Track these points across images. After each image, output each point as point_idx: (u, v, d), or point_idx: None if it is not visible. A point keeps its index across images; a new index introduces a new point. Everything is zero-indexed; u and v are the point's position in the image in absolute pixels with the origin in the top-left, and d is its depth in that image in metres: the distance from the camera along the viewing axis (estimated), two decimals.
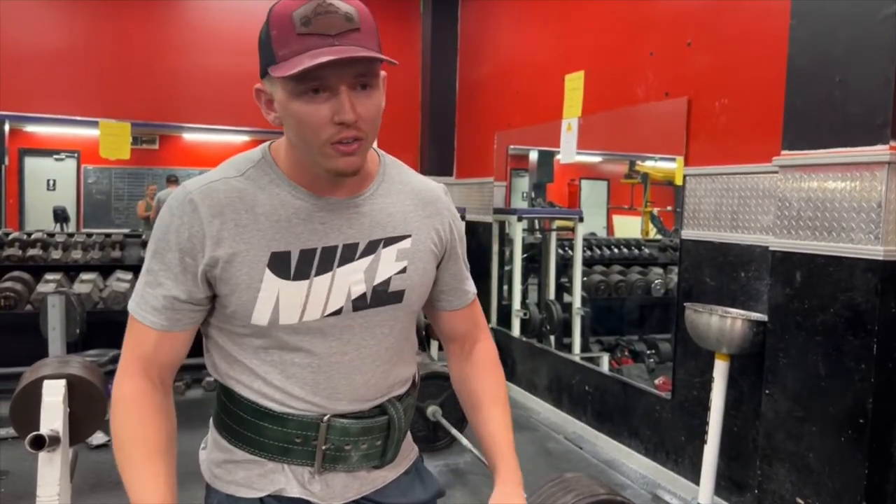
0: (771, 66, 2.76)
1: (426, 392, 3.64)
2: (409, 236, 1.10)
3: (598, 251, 5.83)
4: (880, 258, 2.18)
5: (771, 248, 2.58)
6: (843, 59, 2.31)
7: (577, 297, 5.08)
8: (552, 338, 5.01)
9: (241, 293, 1.01)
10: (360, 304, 1.06)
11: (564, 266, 5.39)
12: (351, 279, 1.05)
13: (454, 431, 3.45)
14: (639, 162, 6.33)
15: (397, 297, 1.09)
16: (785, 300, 2.50)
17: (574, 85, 4.23)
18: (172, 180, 8.47)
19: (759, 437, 2.63)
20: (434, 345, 5.50)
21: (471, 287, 1.28)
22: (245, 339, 1.06)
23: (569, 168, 6.35)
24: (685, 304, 2.95)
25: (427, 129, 5.89)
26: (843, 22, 2.32)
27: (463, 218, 4.90)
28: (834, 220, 2.33)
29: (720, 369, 2.81)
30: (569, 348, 4.89)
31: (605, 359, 5.09)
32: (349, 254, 1.05)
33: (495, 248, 5.32)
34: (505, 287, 5.39)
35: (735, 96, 3.03)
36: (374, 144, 1.08)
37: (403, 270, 1.09)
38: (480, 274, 5.37)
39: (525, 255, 5.25)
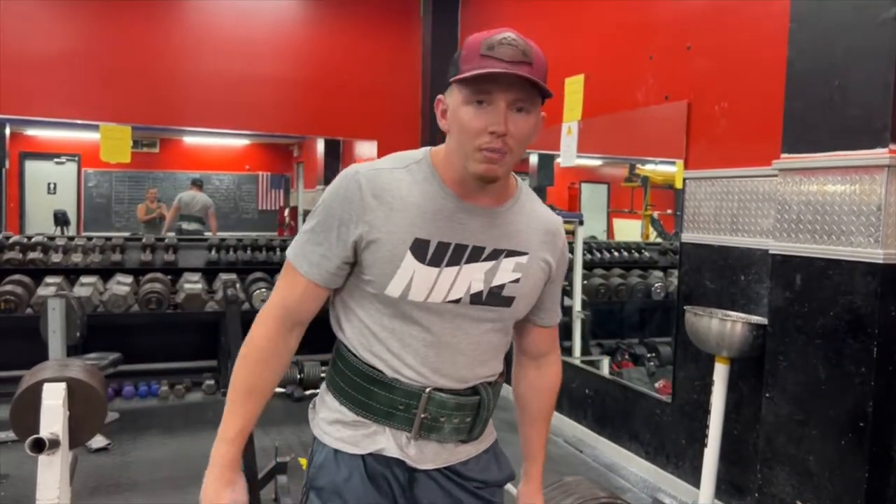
0: (770, 70, 2.77)
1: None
2: (527, 254, 1.25)
3: (599, 254, 5.83)
4: (880, 261, 2.18)
5: (771, 252, 2.58)
6: (843, 62, 2.31)
7: (577, 301, 5.08)
8: None
9: (383, 265, 1.17)
10: (476, 299, 1.22)
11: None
12: (473, 276, 1.21)
13: None
14: (639, 165, 6.33)
15: (507, 301, 1.25)
16: (785, 303, 2.50)
17: (574, 88, 4.24)
18: (197, 184, 8.48)
19: (760, 440, 2.62)
20: None
21: (559, 311, 1.44)
22: (374, 306, 1.22)
23: (569, 171, 6.35)
24: (685, 307, 2.95)
25: (428, 133, 5.89)
26: (842, 26, 2.32)
27: None
28: (833, 223, 2.34)
29: (720, 373, 2.81)
30: (569, 352, 4.88)
31: (606, 362, 5.09)
32: (476, 254, 1.21)
33: None
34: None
35: (735, 100, 3.03)
36: (509, 170, 1.20)
37: (517, 281, 1.24)
38: None
39: None
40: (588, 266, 5.50)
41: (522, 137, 1.13)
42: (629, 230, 7.04)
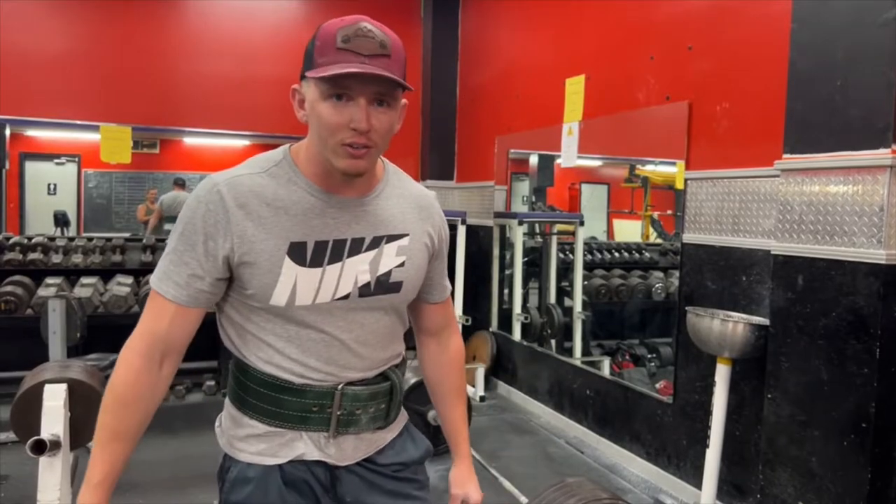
0: (772, 71, 2.76)
1: (426, 397, 3.63)
2: (407, 235, 1.25)
3: (599, 255, 5.83)
4: (882, 262, 2.18)
5: (773, 252, 2.58)
6: (845, 63, 2.31)
7: (577, 301, 5.08)
8: (553, 342, 5.01)
9: (263, 276, 1.13)
10: (364, 291, 1.20)
11: (565, 270, 5.38)
12: (358, 269, 1.19)
13: None
14: (639, 166, 6.33)
15: (396, 287, 1.24)
16: (787, 304, 2.50)
17: (575, 89, 4.23)
18: (179, 183, 8.47)
19: (762, 441, 2.62)
20: None
21: (448, 284, 1.46)
22: (263, 318, 1.18)
23: (569, 172, 6.35)
24: (686, 308, 2.95)
25: (428, 134, 5.89)
26: (844, 26, 2.32)
27: (464, 222, 4.91)
28: (836, 223, 2.33)
29: (722, 373, 2.80)
30: (570, 352, 4.88)
31: (607, 363, 5.08)
32: (357, 247, 1.19)
33: (496, 252, 5.32)
34: (505, 291, 5.38)
35: (736, 100, 3.03)
36: None
37: (402, 264, 1.24)
38: (481, 278, 5.36)
39: (526, 259, 5.25)
40: (588, 267, 5.50)
41: (385, 131, 1.11)
42: (629, 231, 7.03)
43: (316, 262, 1.15)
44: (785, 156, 2.52)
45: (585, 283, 5.22)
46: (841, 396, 2.31)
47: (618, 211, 7.35)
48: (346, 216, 1.18)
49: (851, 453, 2.27)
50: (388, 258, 1.22)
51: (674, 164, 3.77)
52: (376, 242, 1.20)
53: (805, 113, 2.45)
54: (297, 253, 1.13)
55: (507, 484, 2.78)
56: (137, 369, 1.14)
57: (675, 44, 3.42)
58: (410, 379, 3.66)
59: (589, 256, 5.65)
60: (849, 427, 2.28)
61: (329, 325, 1.19)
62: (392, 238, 1.22)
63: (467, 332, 5.34)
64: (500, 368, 5.19)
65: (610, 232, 7.39)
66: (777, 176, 2.60)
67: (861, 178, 2.25)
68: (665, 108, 3.45)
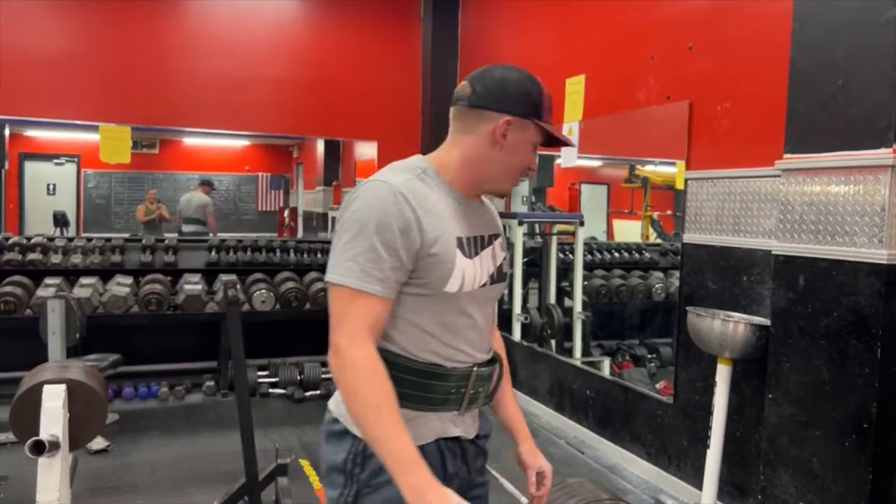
0: (773, 70, 2.76)
1: None
2: (500, 234, 1.50)
3: (599, 255, 5.82)
4: (884, 262, 2.17)
5: (774, 252, 2.57)
6: (846, 62, 2.30)
7: (578, 302, 5.07)
8: (553, 342, 5.00)
9: (443, 266, 1.29)
10: (492, 279, 1.40)
11: (565, 270, 5.38)
12: (486, 261, 1.39)
13: None
14: (638, 166, 6.33)
15: (505, 277, 1.47)
16: (788, 304, 2.49)
17: (575, 89, 4.23)
18: (206, 183, 8.44)
19: (763, 441, 2.61)
20: None
21: None
22: (428, 308, 1.31)
23: (569, 172, 6.35)
24: (687, 308, 2.94)
25: (428, 133, 5.89)
26: (845, 25, 2.32)
27: None
28: (837, 223, 2.33)
29: (722, 373, 2.80)
30: (570, 353, 4.87)
31: (607, 363, 5.08)
32: (483, 242, 1.40)
33: None
34: (505, 291, 5.37)
35: (737, 100, 3.02)
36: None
37: (505, 257, 1.48)
38: None
39: (525, 260, 5.24)
40: (588, 267, 5.49)
41: None
42: (629, 231, 7.03)
43: (470, 253, 1.34)
44: (786, 155, 2.52)
45: (585, 283, 5.22)
46: (842, 396, 2.30)
47: (617, 211, 7.36)
48: (474, 218, 1.39)
49: (853, 453, 2.26)
50: (499, 253, 1.44)
51: (673, 164, 3.77)
52: (491, 240, 1.43)
53: (806, 112, 2.45)
54: (461, 246, 1.32)
55: (507, 485, 2.76)
56: (374, 356, 1.23)
57: (675, 43, 3.42)
58: None
59: (589, 257, 5.65)
60: (850, 427, 2.27)
61: (475, 310, 1.36)
62: (495, 236, 1.45)
63: None
64: None
65: (610, 232, 7.39)
66: (778, 176, 2.59)
67: (862, 178, 2.25)
68: (665, 108, 3.45)
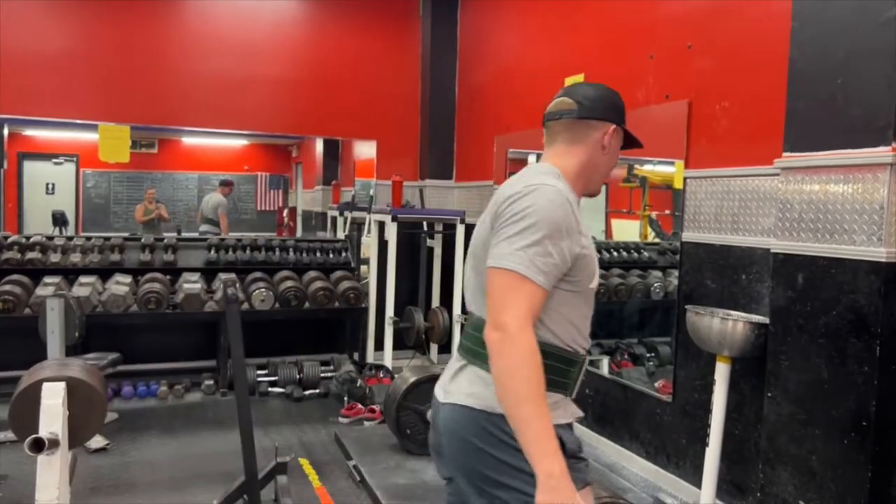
0: (772, 70, 2.76)
1: (426, 395, 3.63)
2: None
3: (598, 254, 5.81)
4: (883, 260, 2.18)
5: (773, 251, 2.57)
6: (845, 61, 2.31)
7: None
8: None
9: (591, 265, 1.47)
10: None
11: None
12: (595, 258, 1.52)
13: None
14: (637, 166, 6.32)
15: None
16: (787, 302, 2.49)
17: None
18: (225, 183, 8.38)
19: (762, 440, 2.62)
20: (434, 347, 5.50)
21: None
22: (573, 302, 1.47)
23: None
24: (686, 306, 2.94)
25: (427, 133, 5.89)
26: (844, 25, 2.32)
27: (462, 221, 4.90)
28: (836, 221, 2.33)
29: (721, 372, 2.80)
30: None
31: (606, 362, 5.07)
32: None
33: None
34: None
35: (736, 99, 3.03)
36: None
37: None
38: None
39: None
40: None
41: None
42: (627, 231, 7.01)
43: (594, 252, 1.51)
44: (785, 154, 2.52)
45: None
46: (841, 395, 2.30)
47: (616, 211, 7.34)
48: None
49: (852, 452, 2.27)
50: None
51: (672, 163, 3.76)
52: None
53: (805, 111, 2.45)
54: (594, 245, 1.50)
55: None
56: (535, 341, 1.34)
57: (674, 43, 3.42)
58: (409, 378, 3.66)
59: None
60: (849, 425, 2.27)
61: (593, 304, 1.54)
62: None
63: None
64: None
65: (608, 232, 7.38)
66: (777, 174, 2.60)
67: (861, 177, 2.25)
68: (664, 107, 3.45)
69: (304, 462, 3.60)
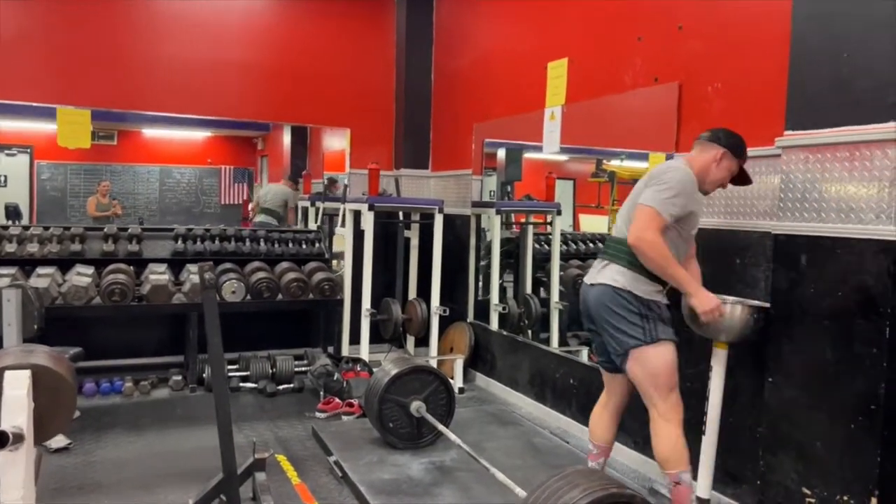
0: (770, 46, 2.70)
1: (409, 387, 3.50)
2: None
3: (574, 246, 5.77)
4: (893, 238, 2.12)
5: (773, 232, 2.51)
6: (851, 34, 2.25)
7: (555, 291, 5.01)
8: (529, 333, 4.92)
9: (696, 220, 2.66)
10: None
11: (540, 261, 5.31)
12: None
13: (440, 426, 3.32)
14: (605, 161, 6.28)
15: None
16: (789, 285, 2.43)
17: (557, 73, 4.14)
18: (294, 179, 7.64)
19: (763, 426, 2.55)
20: (410, 340, 5.37)
21: None
22: (678, 235, 2.62)
23: (538, 167, 6.26)
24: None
25: (402, 121, 5.74)
26: None
27: (441, 210, 4.77)
28: (842, 200, 2.27)
29: (719, 358, 2.73)
30: (546, 343, 4.79)
31: (585, 352, 5.01)
32: None
33: (473, 242, 5.21)
34: (480, 282, 5.28)
35: (730, 80, 2.96)
36: None
37: None
38: (458, 268, 5.25)
39: (502, 250, 5.15)
40: (564, 257, 5.43)
41: None
42: (596, 225, 6.99)
43: None
44: (787, 132, 2.46)
45: (561, 273, 5.15)
46: (848, 378, 2.24)
47: (584, 205, 7.32)
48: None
49: (860, 436, 2.21)
50: None
51: (644, 159, 3.72)
52: None
53: (809, 87, 2.39)
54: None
55: (500, 475, 2.66)
56: (664, 242, 2.49)
57: (663, 23, 3.35)
58: (392, 370, 3.52)
59: (564, 247, 5.59)
60: (857, 410, 2.22)
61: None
62: None
63: (444, 324, 5.22)
64: (479, 359, 5.08)
65: (576, 226, 7.34)
66: (777, 155, 2.54)
67: (869, 153, 2.19)
68: (653, 90, 3.37)
69: (282, 458, 3.44)
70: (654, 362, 2.56)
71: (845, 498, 2.25)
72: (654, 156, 3.51)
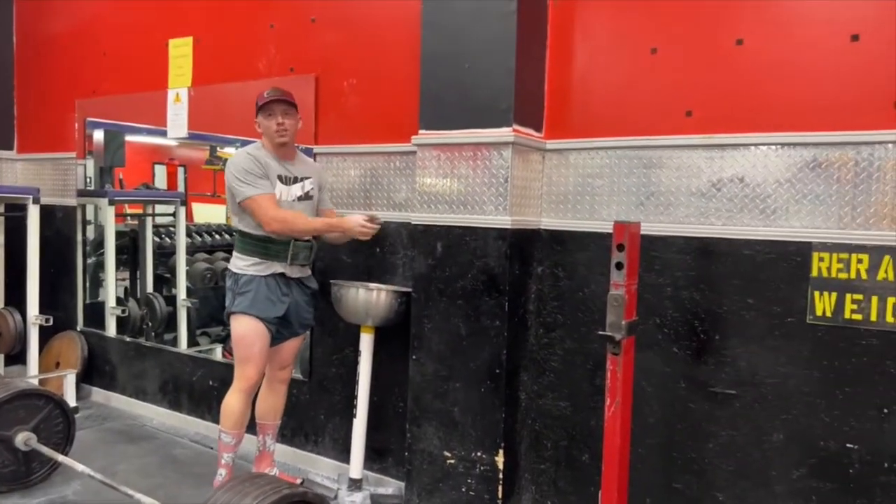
0: (404, 49, 2.89)
1: (13, 417, 2.89)
2: (311, 177, 2.89)
3: (200, 238, 5.46)
4: (508, 227, 2.49)
5: (413, 222, 2.73)
6: (472, 48, 2.55)
7: (182, 288, 4.68)
8: (154, 335, 4.49)
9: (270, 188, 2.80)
10: (299, 199, 2.84)
11: (160, 256, 4.90)
12: (296, 188, 2.82)
13: (60, 457, 2.82)
14: (220, 148, 6.09)
15: (311, 197, 2.89)
16: (428, 270, 2.67)
17: (181, 52, 3.83)
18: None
19: (408, 401, 2.77)
20: (0, 358, 4.44)
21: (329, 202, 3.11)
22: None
23: (142, 152, 5.75)
24: (330, 281, 2.94)
25: None
26: (470, 14, 2.55)
27: (36, 201, 4.03)
28: (469, 194, 2.57)
29: (366, 342, 2.87)
30: (173, 344, 4.44)
31: (219, 350, 4.78)
32: (293, 180, 2.82)
33: (80, 237, 4.53)
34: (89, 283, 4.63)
35: (367, 77, 3.10)
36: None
37: (312, 187, 2.89)
38: (62, 269, 4.52)
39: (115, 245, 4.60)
40: (190, 251, 5.10)
41: (292, 125, 2.80)
42: (212, 215, 6.75)
43: (286, 182, 2.82)
44: (421, 131, 2.68)
45: (188, 268, 4.83)
46: (478, 348, 2.57)
47: (198, 194, 6.98)
48: (290, 167, 2.86)
49: (488, 398, 2.55)
50: (307, 185, 2.91)
51: None
52: (301, 179, 2.89)
53: (438, 91, 2.64)
54: (278, 179, 2.81)
55: (144, 499, 2.37)
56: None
57: (296, 14, 3.34)
58: None
59: (189, 240, 5.24)
60: (485, 375, 2.56)
61: (291, 208, 2.83)
62: (305, 178, 2.92)
63: (47, 335, 4.42)
64: (95, 372, 4.45)
65: (189, 216, 6.96)
66: (413, 152, 2.75)
67: (489, 153, 2.52)
68: (290, 80, 3.34)
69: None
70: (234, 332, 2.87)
71: (479, 454, 2.58)
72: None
